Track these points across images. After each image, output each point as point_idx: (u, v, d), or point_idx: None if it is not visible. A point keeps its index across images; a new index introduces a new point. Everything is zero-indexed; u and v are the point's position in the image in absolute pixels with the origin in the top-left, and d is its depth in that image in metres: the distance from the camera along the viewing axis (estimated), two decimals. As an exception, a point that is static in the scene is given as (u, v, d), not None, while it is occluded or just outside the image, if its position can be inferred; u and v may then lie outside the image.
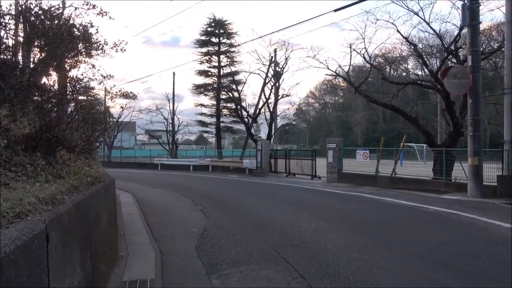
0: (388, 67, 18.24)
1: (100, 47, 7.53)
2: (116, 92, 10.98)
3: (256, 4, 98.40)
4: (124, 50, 7.97)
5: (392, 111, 16.21)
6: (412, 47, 14.82)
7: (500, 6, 13.28)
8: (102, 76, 7.68)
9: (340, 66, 17.49)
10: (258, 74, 26.68)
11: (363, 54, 15.96)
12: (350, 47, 16.66)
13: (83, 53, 7.38)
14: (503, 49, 13.81)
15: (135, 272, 4.81)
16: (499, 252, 5.55)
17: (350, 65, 17.42)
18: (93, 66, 7.63)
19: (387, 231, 7.01)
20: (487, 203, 10.28)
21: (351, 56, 16.87)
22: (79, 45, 7.09)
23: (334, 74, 18.10)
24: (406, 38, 14.88)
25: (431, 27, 14.25)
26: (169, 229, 7.43)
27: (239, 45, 31.96)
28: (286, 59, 24.49)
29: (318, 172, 19.40)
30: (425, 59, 14.44)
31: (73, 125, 5.03)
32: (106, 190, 4.81)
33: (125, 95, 12.40)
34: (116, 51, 7.86)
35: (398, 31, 14.92)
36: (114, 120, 40.78)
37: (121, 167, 32.73)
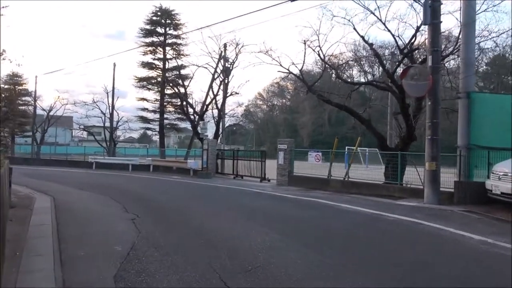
0: (341, 67, 17.50)
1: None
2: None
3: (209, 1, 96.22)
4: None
5: (346, 112, 15.55)
6: (368, 46, 14.23)
7: (454, 11, 12.99)
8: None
9: (293, 63, 16.54)
10: (206, 68, 25.06)
11: (317, 51, 15.13)
12: (305, 44, 15.76)
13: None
14: (457, 53, 13.70)
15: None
16: (487, 273, 4.70)
17: (303, 63, 16.56)
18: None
19: (353, 247, 5.97)
20: (446, 210, 9.74)
21: (305, 53, 15.99)
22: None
23: (287, 71, 17.15)
24: (362, 37, 14.26)
25: (386, 27, 13.74)
26: (86, 246, 5.79)
27: (184, 33, 29.99)
28: (237, 54, 23.21)
29: (268, 175, 18.36)
30: (382, 60, 13.91)
31: None
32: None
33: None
34: None
35: (354, 29, 14.23)
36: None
37: (51, 165, 29.50)
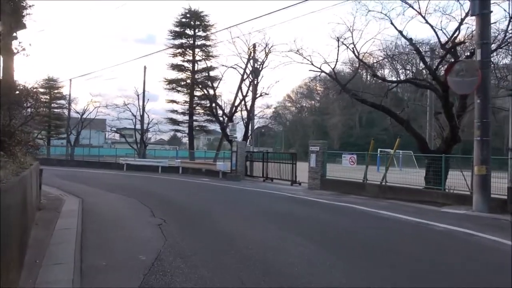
0: (376, 65, 16.60)
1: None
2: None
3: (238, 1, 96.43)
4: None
5: (383, 112, 14.66)
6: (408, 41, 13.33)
7: (501, 2, 11.87)
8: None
9: (326, 62, 15.85)
10: (235, 69, 24.65)
11: (352, 48, 14.37)
12: (338, 41, 15.05)
13: None
14: (505, 47, 12.59)
15: None
16: None
17: (336, 61, 15.82)
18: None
19: (407, 265, 5.27)
20: (500, 219, 8.81)
21: (338, 50, 15.23)
22: None
23: (319, 70, 16.43)
24: (400, 32, 13.38)
25: (426, 21, 12.83)
26: (109, 255, 5.42)
27: (213, 33, 29.74)
28: (267, 54, 22.66)
29: (298, 178, 17.70)
30: (423, 55, 12.96)
31: None
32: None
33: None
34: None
35: (392, 23, 13.40)
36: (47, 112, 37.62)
37: (83, 166, 30.06)
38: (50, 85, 41.00)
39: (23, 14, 14.07)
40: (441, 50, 13.46)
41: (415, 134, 14.01)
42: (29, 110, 6.37)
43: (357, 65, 17.52)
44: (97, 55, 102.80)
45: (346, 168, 15.71)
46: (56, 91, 41.93)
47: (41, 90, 40.85)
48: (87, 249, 5.65)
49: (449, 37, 12.49)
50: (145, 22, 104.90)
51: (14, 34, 14.28)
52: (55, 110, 42.59)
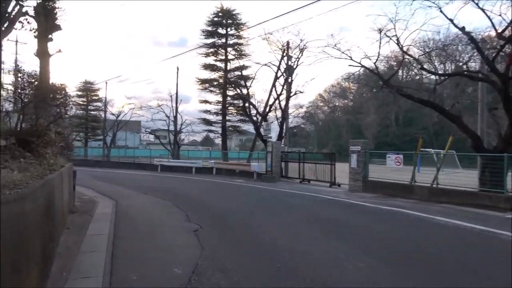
0: (424, 57, 15.39)
1: None
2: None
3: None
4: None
5: (431, 108, 13.51)
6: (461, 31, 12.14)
7: None
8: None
9: (367, 56, 14.83)
10: (269, 67, 23.97)
11: (396, 40, 13.32)
12: (380, 33, 14.04)
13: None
14: None
15: None
16: None
17: (378, 55, 14.78)
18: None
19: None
20: None
21: (380, 43, 14.20)
22: None
23: (359, 65, 15.45)
24: (451, 20, 12.22)
25: (479, 7, 11.64)
26: (141, 266, 4.88)
27: (246, 29, 28.98)
28: (301, 50, 21.81)
29: (337, 179, 16.78)
30: (479, 45, 11.74)
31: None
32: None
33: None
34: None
35: (441, 11, 12.27)
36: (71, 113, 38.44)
37: (119, 167, 30.39)
38: (87, 87, 42.06)
39: (57, 16, 14.05)
40: (497, 40, 12.21)
41: (468, 131, 12.77)
42: (58, 108, 6.01)
43: (400, 59, 16.39)
44: (132, 59, 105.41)
45: (388, 168, 14.66)
46: (92, 93, 43.00)
47: (79, 93, 42.05)
48: (118, 259, 5.14)
49: (508, 22, 11.21)
50: (176, 24, 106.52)
51: (50, 36, 14.31)
52: (92, 112, 43.67)
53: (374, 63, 14.97)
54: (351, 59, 15.32)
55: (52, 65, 14.54)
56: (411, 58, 14.93)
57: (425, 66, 15.43)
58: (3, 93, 7.12)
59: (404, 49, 14.09)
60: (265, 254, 5.50)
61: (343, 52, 15.47)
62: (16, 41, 27.50)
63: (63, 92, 6.57)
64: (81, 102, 42.91)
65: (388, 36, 13.66)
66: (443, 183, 12.48)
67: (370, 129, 59.54)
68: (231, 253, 5.51)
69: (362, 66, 15.78)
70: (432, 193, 12.08)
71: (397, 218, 8.97)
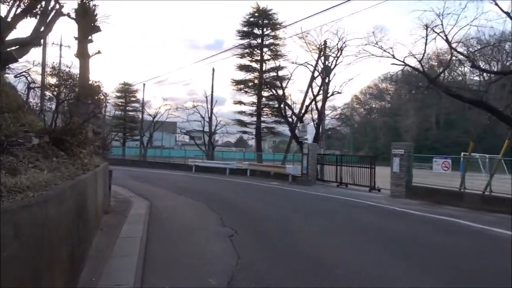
0: (476, 54, 14.34)
1: None
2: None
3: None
4: None
5: (483, 109, 12.53)
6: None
7: None
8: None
9: (411, 54, 14.01)
10: (306, 67, 23.37)
11: (445, 36, 12.45)
12: (426, 29, 13.20)
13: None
14: None
15: None
16: None
17: (424, 52, 13.90)
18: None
19: None
20: None
21: (426, 40, 13.33)
22: None
23: (403, 63, 14.63)
24: (507, 14, 11.25)
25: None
26: (173, 275, 4.57)
27: (282, 28, 28.19)
28: (340, 49, 21.05)
29: (376, 183, 15.96)
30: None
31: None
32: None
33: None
34: None
35: (496, 4, 11.31)
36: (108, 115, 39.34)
37: (155, 167, 30.76)
38: (125, 89, 43.16)
39: (97, 17, 14.24)
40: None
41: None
42: (94, 107, 5.91)
43: (444, 58, 15.44)
44: (169, 61, 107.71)
45: (430, 173, 13.69)
46: (131, 95, 44.09)
47: (118, 94, 43.22)
48: (149, 265, 4.86)
49: None
50: (213, 27, 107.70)
51: (90, 38, 14.53)
52: (130, 113, 44.77)
53: (420, 61, 14.14)
54: (394, 57, 14.55)
55: (91, 66, 14.79)
56: (460, 56, 13.98)
57: (472, 65, 14.37)
58: (48, 93, 7.10)
59: (453, 46, 13.21)
60: (309, 266, 5.01)
61: (384, 50, 14.74)
62: (61, 45, 28.58)
63: (99, 90, 6.45)
64: (120, 103, 44.13)
65: (436, 32, 12.83)
66: (496, 190, 11.48)
67: (409, 132, 57.23)
68: (269, 263, 5.09)
69: (406, 64, 14.97)
70: (484, 201, 11.12)
71: (449, 229, 8.21)
